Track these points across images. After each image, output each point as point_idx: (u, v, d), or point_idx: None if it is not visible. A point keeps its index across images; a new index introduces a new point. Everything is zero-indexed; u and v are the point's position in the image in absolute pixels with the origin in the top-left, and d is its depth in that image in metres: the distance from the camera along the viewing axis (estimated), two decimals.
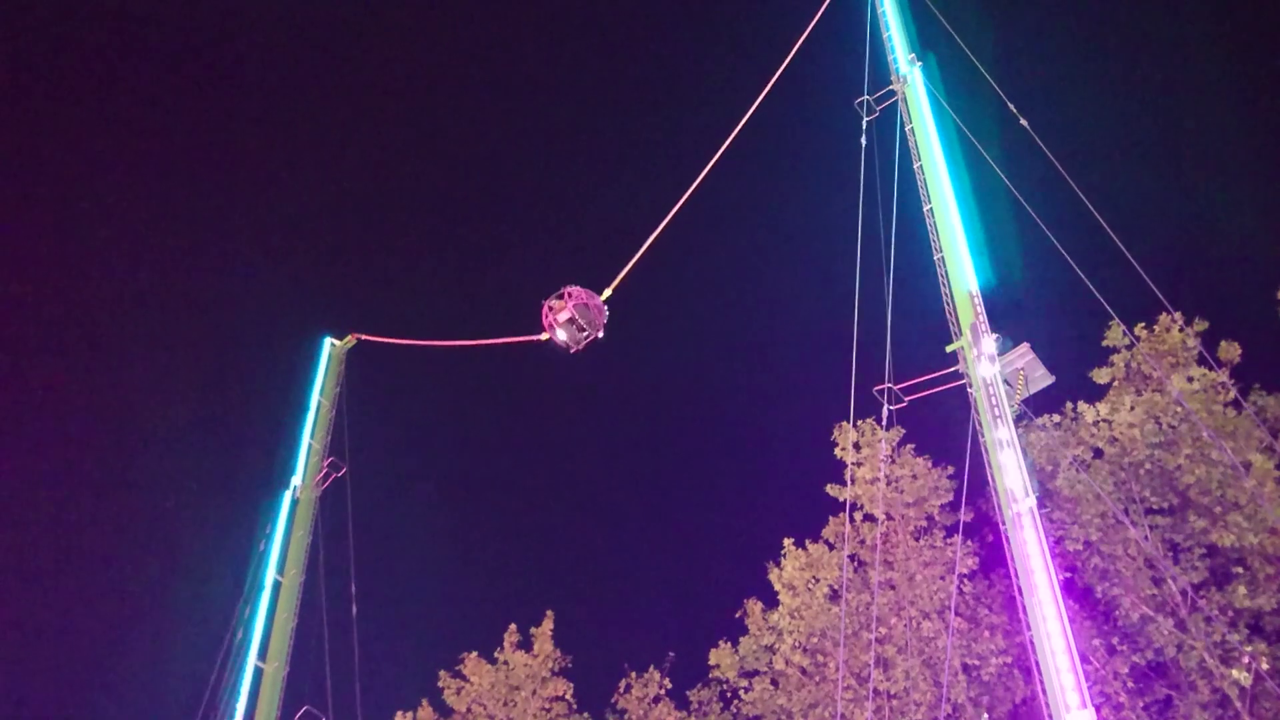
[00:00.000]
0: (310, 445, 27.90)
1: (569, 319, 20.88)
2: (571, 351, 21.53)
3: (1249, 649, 20.87)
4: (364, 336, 29.72)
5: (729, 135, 22.93)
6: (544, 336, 21.37)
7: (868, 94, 21.05)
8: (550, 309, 21.19)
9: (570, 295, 21.14)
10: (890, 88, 20.83)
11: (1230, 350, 23.33)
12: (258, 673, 22.82)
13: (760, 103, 23.09)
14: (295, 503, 26.61)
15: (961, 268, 17.54)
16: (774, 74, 23.13)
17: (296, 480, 27.09)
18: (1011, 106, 21.38)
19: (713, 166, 22.94)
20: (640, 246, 22.42)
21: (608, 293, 21.66)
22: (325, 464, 27.76)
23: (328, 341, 30.06)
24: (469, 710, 29.55)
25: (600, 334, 21.41)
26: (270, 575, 24.86)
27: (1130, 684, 22.66)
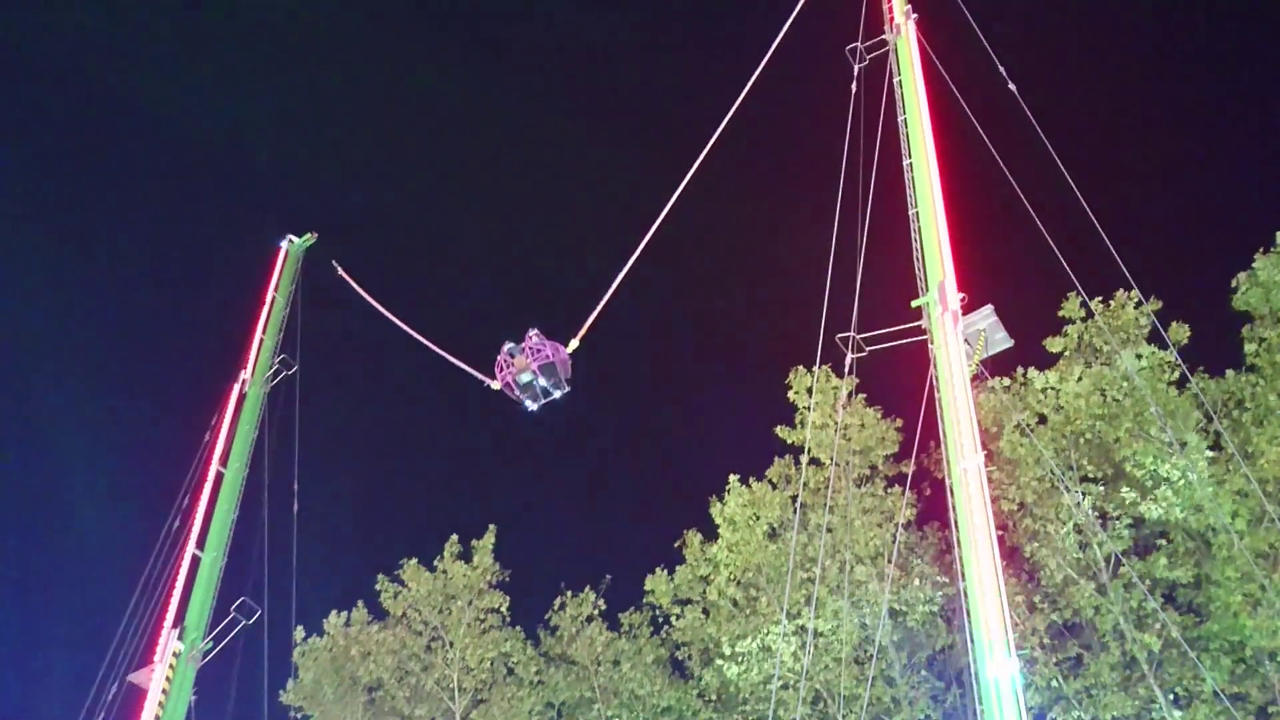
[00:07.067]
0: (262, 340, 27.59)
1: (529, 383, 19.29)
2: (532, 410, 19.78)
3: (1163, 616, 21.82)
4: (338, 268, 29.24)
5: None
6: (496, 386, 19.79)
7: (861, 42, 20.87)
8: (509, 363, 19.51)
9: (534, 352, 19.40)
10: (883, 37, 20.65)
11: (1180, 332, 23.88)
12: (196, 562, 22.84)
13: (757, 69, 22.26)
14: (243, 397, 26.41)
15: (935, 225, 17.63)
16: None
17: (245, 374, 26.79)
18: (1001, 69, 21.36)
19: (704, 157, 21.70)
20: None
21: (574, 344, 19.89)
22: (276, 361, 27.49)
23: (286, 238, 29.87)
24: (404, 615, 29.86)
25: (567, 389, 19.65)
26: (214, 466, 24.71)
27: (1046, 640, 23.63)
